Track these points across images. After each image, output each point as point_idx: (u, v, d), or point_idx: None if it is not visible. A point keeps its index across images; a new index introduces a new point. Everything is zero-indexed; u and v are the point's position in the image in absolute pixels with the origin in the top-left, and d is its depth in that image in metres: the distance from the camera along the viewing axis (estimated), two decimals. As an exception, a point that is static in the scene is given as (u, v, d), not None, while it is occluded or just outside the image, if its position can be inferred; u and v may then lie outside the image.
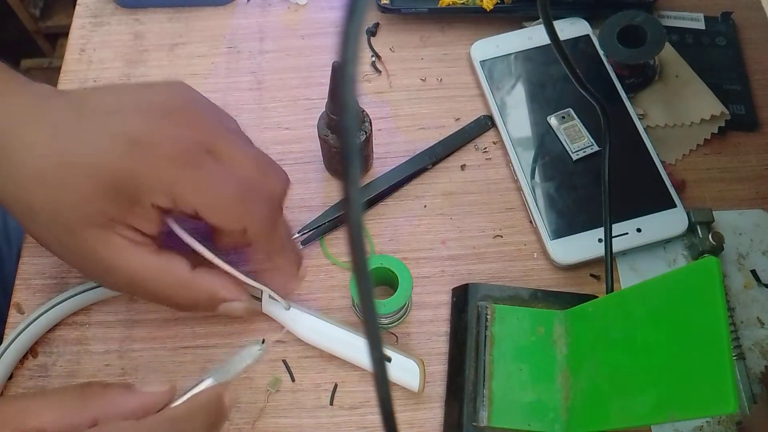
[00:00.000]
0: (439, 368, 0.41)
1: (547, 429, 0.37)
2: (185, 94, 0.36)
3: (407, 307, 0.42)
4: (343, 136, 0.16)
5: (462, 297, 0.42)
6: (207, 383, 0.35)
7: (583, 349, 0.37)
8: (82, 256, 0.34)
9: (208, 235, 0.39)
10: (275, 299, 0.41)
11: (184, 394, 0.34)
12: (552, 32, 0.35)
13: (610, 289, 0.40)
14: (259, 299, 0.41)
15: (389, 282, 0.41)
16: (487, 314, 0.40)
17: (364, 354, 0.40)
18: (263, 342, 0.38)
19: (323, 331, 0.41)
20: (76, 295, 0.42)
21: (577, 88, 0.39)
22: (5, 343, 0.40)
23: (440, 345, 0.42)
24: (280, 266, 0.39)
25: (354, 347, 0.40)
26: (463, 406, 0.38)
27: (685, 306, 0.30)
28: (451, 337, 0.42)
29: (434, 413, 0.40)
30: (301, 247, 0.45)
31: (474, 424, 0.38)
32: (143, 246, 0.35)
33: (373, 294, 0.18)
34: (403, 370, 0.39)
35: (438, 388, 0.41)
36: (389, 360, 0.39)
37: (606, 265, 0.41)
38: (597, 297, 0.41)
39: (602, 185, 0.42)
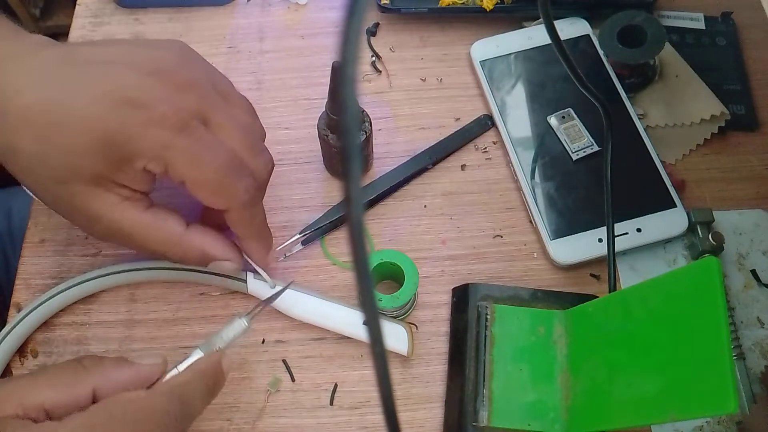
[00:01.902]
0: (439, 368, 0.41)
1: (548, 429, 0.37)
2: (181, 53, 0.35)
3: (414, 299, 0.42)
4: (343, 136, 0.16)
5: (462, 297, 0.42)
6: (197, 354, 0.36)
7: (583, 349, 0.37)
8: (71, 208, 0.34)
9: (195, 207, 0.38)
10: (261, 279, 0.41)
11: (178, 365, 0.35)
12: (553, 32, 0.35)
13: (612, 289, 0.40)
14: (244, 281, 0.41)
15: (394, 276, 0.41)
16: (487, 314, 0.40)
17: (353, 324, 0.41)
18: (248, 315, 0.38)
19: (310, 306, 0.41)
20: (71, 287, 0.42)
21: (578, 87, 0.39)
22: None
23: (440, 345, 0.42)
24: (252, 250, 0.39)
25: (342, 319, 0.41)
26: (463, 406, 0.38)
27: (685, 306, 0.30)
28: (451, 337, 0.42)
29: (434, 413, 0.40)
30: (292, 250, 0.45)
31: (474, 424, 0.38)
32: (135, 201, 0.34)
33: (374, 294, 0.18)
34: (391, 336, 0.40)
35: (438, 388, 0.41)
36: None
37: (609, 264, 0.41)
38: (597, 297, 0.41)
39: (604, 185, 0.42)
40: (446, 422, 0.40)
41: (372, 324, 0.18)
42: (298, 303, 0.41)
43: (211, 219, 0.39)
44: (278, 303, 0.41)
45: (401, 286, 0.39)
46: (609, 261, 0.41)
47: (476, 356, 0.39)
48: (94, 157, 0.32)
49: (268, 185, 0.38)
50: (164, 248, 0.36)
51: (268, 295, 0.41)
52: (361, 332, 0.41)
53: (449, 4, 0.51)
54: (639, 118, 0.47)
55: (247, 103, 0.39)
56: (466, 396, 0.38)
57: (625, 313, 0.35)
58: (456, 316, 0.42)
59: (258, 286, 0.41)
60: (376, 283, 0.43)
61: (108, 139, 0.32)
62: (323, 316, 0.41)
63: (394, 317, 0.42)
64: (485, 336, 0.39)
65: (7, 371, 0.41)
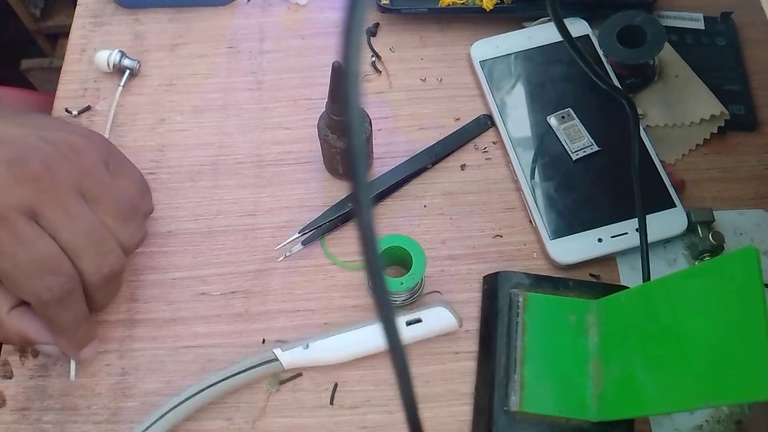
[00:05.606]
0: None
1: (578, 416, 0.37)
2: (50, 147, 0.36)
3: (423, 282, 0.42)
4: (348, 134, 0.16)
5: (492, 285, 0.42)
6: None
7: (615, 338, 0.37)
8: None
9: None
10: (288, 348, 0.40)
11: None
12: (563, 29, 0.35)
13: (647, 278, 0.41)
14: (277, 360, 0.40)
15: (401, 261, 0.41)
16: (518, 302, 0.40)
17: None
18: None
19: (346, 343, 0.41)
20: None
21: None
22: None
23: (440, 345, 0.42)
24: (60, 344, 0.38)
25: (375, 339, 0.41)
26: (493, 391, 0.38)
27: (723, 295, 0.30)
28: (482, 324, 0.42)
29: (462, 410, 0.40)
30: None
31: (505, 408, 0.38)
32: None
33: (388, 292, 0.18)
34: (437, 319, 0.41)
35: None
36: (419, 321, 0.41)
37: (642, 254, 0.41)
38: (628, 288, 0.41)
39: (633, 177, 0.42)
40: (476, 406, 0.40)
41: (385, 318, 0.18)
42: (329, 350, 0.41)
43: None
44: (314, 360, 0.40)
45: (408, 270, 0.39)
46: (642, 251, 0.41)
47: (508, 342, 0.39)
48: None
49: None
50: None
51: (305, 360, 0.40)
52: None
53: (449, 4, 0.51)
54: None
55: (135, 182, 0.40)
56: (497, 381, 0.38)
57: (661, 302, 0.34)
58: (487, 304, 0.42)
59: (292, 356, 0.40)
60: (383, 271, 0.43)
61: None
62: (355, 345, 0.41)
63: (405, 302, 0.42)
64: (516, 323, 0.39)
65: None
